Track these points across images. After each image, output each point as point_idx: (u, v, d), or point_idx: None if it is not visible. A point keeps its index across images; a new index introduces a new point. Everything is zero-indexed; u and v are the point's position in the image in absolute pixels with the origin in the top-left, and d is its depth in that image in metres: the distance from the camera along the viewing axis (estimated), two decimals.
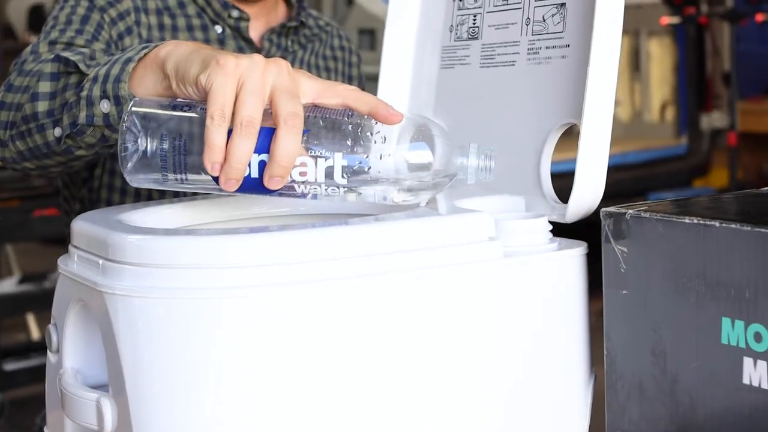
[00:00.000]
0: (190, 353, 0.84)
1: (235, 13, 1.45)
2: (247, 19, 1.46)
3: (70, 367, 0.97)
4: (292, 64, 1.28)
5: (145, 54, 0.99)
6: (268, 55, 1.46)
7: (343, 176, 0.90)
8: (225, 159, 0.88)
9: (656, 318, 0.87)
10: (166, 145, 0.90)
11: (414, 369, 0.88)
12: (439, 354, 0.89)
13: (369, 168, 0.90)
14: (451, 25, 1.15)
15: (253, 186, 0.91)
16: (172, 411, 0.84)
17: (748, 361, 0.81)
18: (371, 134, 0.91)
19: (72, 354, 0.98)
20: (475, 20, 1.12)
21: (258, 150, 0.89)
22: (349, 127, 0.91)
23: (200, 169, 0.89)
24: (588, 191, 0.95)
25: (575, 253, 0.95)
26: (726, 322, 0.82)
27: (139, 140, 0.91)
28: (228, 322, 0.84)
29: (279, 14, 1.53)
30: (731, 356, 0.82)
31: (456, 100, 1.14)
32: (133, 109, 0.92)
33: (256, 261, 0.85)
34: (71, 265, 0.95)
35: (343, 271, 0.86)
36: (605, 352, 0.92)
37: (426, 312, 0.89)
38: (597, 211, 0.94)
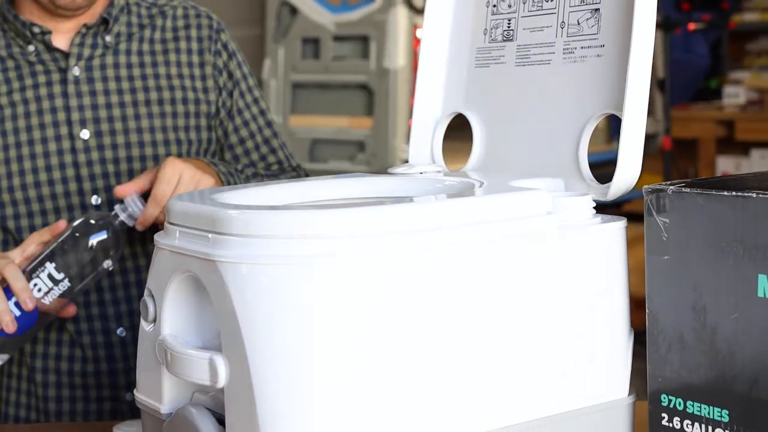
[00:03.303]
0: (291, 312, 0.96)
1: (36, 29, 1.57)
2: (49, 32, 1.58)
3: (168, 333, 1.08)
4: (116, 57, 1.59)
5: None
6: (80, 59, 1.58)
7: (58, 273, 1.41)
8: None
9: (696, 278, 1.02)
10: None
11: (489, 323, 1.02)
12: (508, 310, 1.03)
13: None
14: (485, 29, 1.28)
15: (24, 318, 1.39)
16: (284, 363, 0.95)
17: None
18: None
19: (170, 322, 1.08)
20: (509, 24, 1.25)
21: (9, 299, 1.38)
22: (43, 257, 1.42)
23: None
24: (629, 172, 1.09)
25: (618, 226, 1.09)
26: (762, 278, 0.96)
27: None
28: (321, 285, 0.96)
29: (97, 13, 1.61)
30: (767, 307, 0.96)
31: (491, 96, 1.27)
32: None
33: (343, 232, 0.97)
34: (173, 240, 1.06)
35: (428, 241, 0.99)
36: (647, 311, 1.06)
37: (497, 275, 1.02)
38: None
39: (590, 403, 1.08)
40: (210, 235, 1.00)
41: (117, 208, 1.44)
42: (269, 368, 0.95)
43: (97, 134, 1.58)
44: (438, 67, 1.33)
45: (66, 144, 1.57)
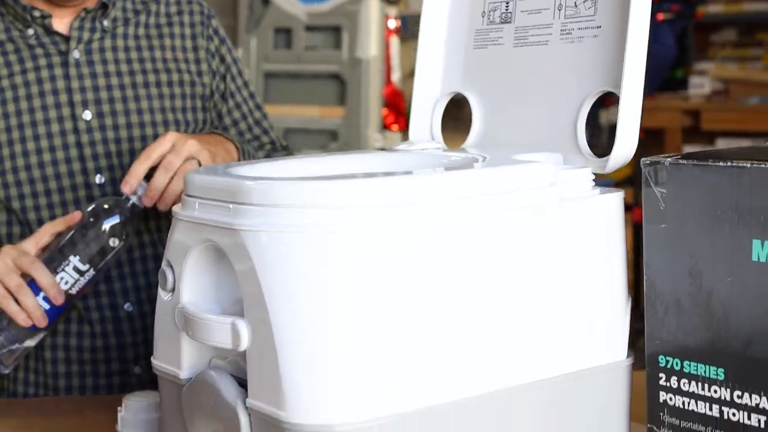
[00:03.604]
0: (308, 277, 1.01)
1: (36, 13, 1.62)
2: (49, 16, 1.62)
3: (188, 301, 1.12)
4: (114, 41, 1.64)
5: None
6: (80, 42, 1.63)
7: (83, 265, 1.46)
8: (26, 313, 1.42)
9: (693, 245, 1.07)
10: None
11: (494, 290, 1.07)
12: (513, 277, 1.08)
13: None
14: (483, 11, 1.33)
15: (53, 310, 1.45)
16: (304, 325, 1.00)
17: None
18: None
19: (188, 290, 1.13)
20: (507, 6, 1.30)
21: (36, 294, 1.43)
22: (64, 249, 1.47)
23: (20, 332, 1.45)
24: (627, 146, 1.15)
25: (616, 197, 1.15)
26: (756, 243, 1.02)
27: None
28: (335, 251, 1.01)
29: None
30: (761, 271, 1.02)
31: (489, 76, 1.32)
32: None
33: (356, 201, 1.02)
34: (192, 212, 1.10)
35: (436, 211, 1.04)
36: (645, 278, 1.12)
37: (502, 244, 1.07)
38: None
39: (592, 365, 1.14)
40: (231, 206, 1.05)
41: (125, 191, 1.49)
42: (290, 330, 1.00)
43: (99, 115, 1.62)
44: (437, 48, 1.38)
45: (69, 125, 1.61)
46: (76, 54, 1.63)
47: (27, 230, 1.60)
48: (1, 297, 1.43)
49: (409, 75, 5.24)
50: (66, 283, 1.46)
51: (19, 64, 1.62)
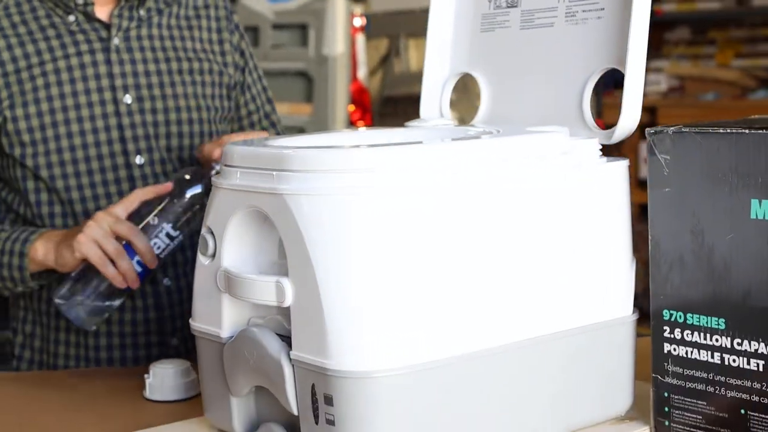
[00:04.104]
0: (347, 235, 1.10)
1: (79, 0, 1.71)
2: (91, 4, 1.72)
3: (229, 264, 1.21)
4: (150, 29, 1.75)
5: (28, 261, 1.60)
6: (119, 29, 1.73)
7: (174, 231, 1.57)
8: (122, 275, 1.52)
9: (695, 206, 1.18)
10: (90, 297, 1.56)
11: (511, 249, 1.17)
12: (528, 238, 1.18)
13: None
14: None
15: (143, 273, 1.56)
16: (347, 280, 1.09)
17: None
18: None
19: (229, 254, 1.21)
20: None
21: (132, 257, 1.54)
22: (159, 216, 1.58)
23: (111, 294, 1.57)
24: (631, 117, 1.25)
25: (622, 165, 1.25)
26: (755, 202, 1.13)
27: (77, 307, 1.55)
28: (371, 211, 1.10)
29: None
30: (759, 227, 1.13)
31: (497, 57, 1.42)
32: (58, 301, 1.55)
33: (388, 166, 1.12)
34: (234, 180, 1.19)
35: (460, 176, 1.14)
36: (650, 237, 1.22)
37: (519, 207, 1.17)
38: None
39: (600, 320, 1.24)
40: (275, 173, 1.13)
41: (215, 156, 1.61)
42: (334, 285, 1.09)
43: (139, 99, 1.72)
44: (445, 32, 1.47)
45: (110, 108, 1.70)
46: (116, 41, 1.73)
47: (69, 209, 1.69)
48: (101, 260, 1.52)
49: (373, 72, 5.33)
50: (158, 248, 1.57)
51: (62, 50, 1.70)
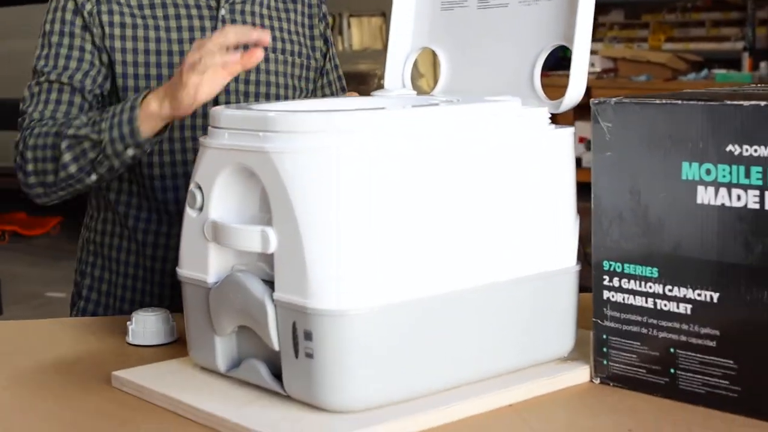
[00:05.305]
0: (326, 187, 1.23)
1: None
2: None
3: (216, 216, 1.34)
4: (252, 6, 1.91)
5: (140, 111, 1.63)
6: (227, 2, 1.88)
7: None
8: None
9: (633, 168, 1.33)
10: None
11: (466, 202, 1.31)
12: (482, 193, 1.33)
13: None
14: None
15: None
16: (325, 229, 1.22)
17: (700, 188, 1.27)
18: None
19: (215, 208, 1.34)
20: None
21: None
22: None
23: None
24: (577, 90, 1.40)
25: (569, 131, 1.40)
26: (685, 164, 1.28)
27: None
28: (345, 168, 1.23)
29: None
30: (689, 187, 1.28)
31: (456, 33, 1.56)
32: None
33: (359, 127, 1.25)
34: (222, 140, 1.31)
35: (425, 137, 1.28)
36: (593, 196, 1.37)
37: (476, 166, 1.32)
38: None
39: (548, 269, 1.39)
40: (260, 133, 1.26)
41: None
42: (314, 233, 1.22)
43: None
44: (408, 10, 1.61)
45: None
46: (223, 11, 1.86)
47: (167, 172, 1.84)
48: (224, 63, 1.53)
49: None
50: None
51: (174, 8, 1.84)
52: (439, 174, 1.28)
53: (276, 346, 1.27)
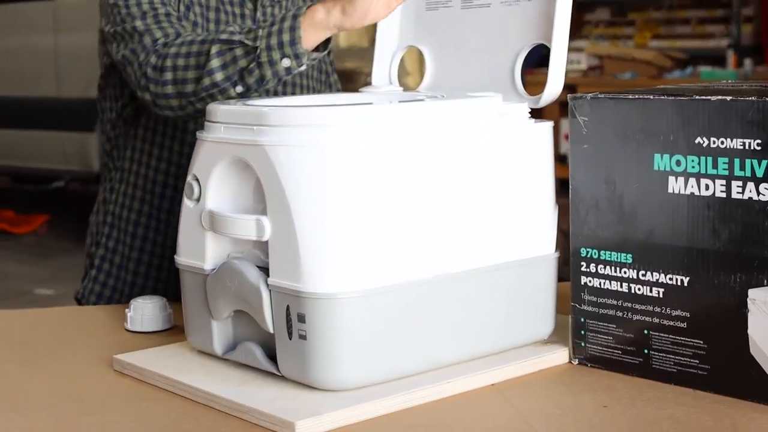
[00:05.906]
0: (316, 178, 1.30)
1: None
2: None
3: (213, 206, 1.41)
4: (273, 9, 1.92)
5: (303, 19, 1.61)
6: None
7: None
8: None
9: (608, 160, 1.40)
10: None
11: (449, 193, 1.38)
12: (465, 184, 1.40)
13: None
14: None
15: None
16: (317, 217, 1.30)
17: (671, 178, 1.35)
18: None
19: (212, 198, 1.41)
20: None
21: None
22: None
23: None
24: (556, 86, 1.47)
25: (548, 125, 1.48)
26: (657, 156, 1.36)
27: None
28: (336, 160, 1.30)
29: None
30: (660, 177, 1.36)
31: (440, 32, 1.63)
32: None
33: (348, 123, 1.32)
34: (218, 134, 1.38)
35: (413, 131, 1.35)
36: (570, 187, 1.45)
37: (459, 159, 1.39)
38: None
39: (528, 256, 1.46)
40: (255, 127, 1.33)
41: None
42: (306, 220, 1.29)
43: None
44: (394, 11, 1.68)
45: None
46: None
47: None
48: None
49: None
50: None
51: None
52: (424, 165, 1.36)
53: (271, 329, 1.34)
